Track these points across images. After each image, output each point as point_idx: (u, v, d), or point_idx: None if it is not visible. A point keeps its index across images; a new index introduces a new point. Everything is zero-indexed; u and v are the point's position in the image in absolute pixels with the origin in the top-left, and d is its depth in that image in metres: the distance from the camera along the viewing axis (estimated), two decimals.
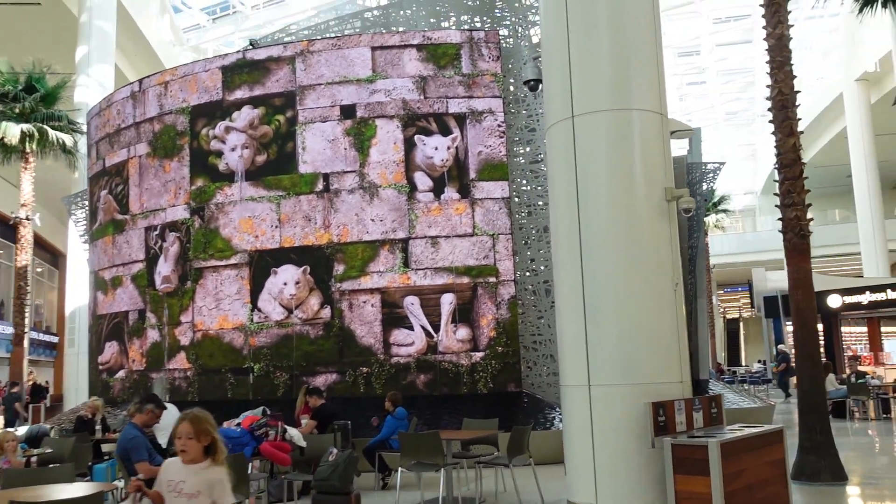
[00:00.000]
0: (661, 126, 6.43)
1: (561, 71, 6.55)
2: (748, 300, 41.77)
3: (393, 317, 11.21)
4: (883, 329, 26.95)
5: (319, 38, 12.09)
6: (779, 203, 8.61)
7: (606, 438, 6.02)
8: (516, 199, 11.72)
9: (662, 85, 6.59)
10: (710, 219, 36.74)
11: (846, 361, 23.76)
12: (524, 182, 11.80)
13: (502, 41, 11.96)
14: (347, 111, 11.55)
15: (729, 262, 43.54)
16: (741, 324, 51.87)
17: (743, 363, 43.47)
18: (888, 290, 21.84)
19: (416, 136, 11.46)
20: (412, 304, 11.17)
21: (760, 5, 8.78)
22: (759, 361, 34.71)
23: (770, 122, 8.70)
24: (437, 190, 11.38)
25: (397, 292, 11.22)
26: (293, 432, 7.41)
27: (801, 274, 8.32)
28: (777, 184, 8.74)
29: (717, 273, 42.36)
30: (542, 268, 11.61)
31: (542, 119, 11.01)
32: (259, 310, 11.58)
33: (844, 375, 17.55)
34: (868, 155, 33.78)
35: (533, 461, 7.36)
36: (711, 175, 14.37)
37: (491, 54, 11.58)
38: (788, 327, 24.59)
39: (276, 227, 11.62)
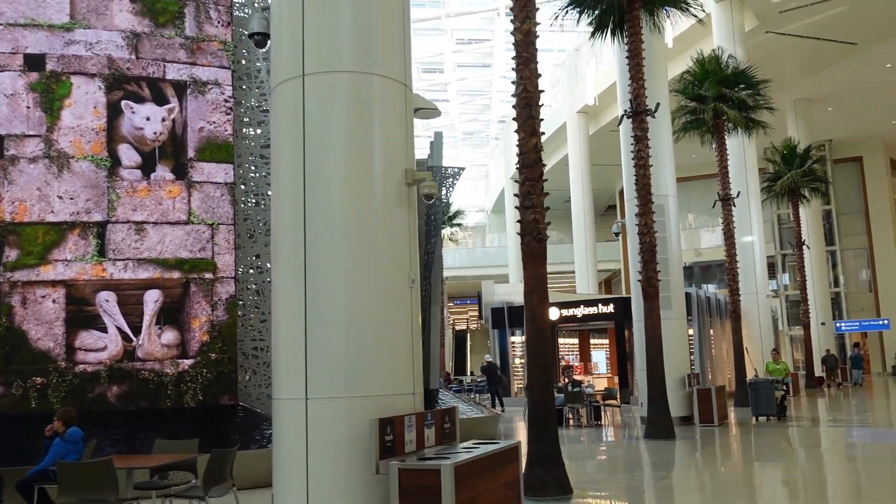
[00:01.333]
0: (405, 98, 5.59)
1: (293, 21, 5.46)
2: (476, 312, 43.62)
3: (81, 316, 9.27)
4: (592, 341, 29.24)
5: None
6: (518, 205, 8.26)
7: (324, 462, 5.00)
8: (242, 187, 10.38)
9: (408, 54, 5.78)
10: (445, 231, 37.74)
11: (561, 371, 25.27)
12: (253, 168, 10.48)
13: (236, 9, 10.58)
14: (34, 62, 9.41)
15: (460, 275, 45.23)
16: (468, 334, 54.18)
17: (469, 372, 45.24)
18: (599, 305, 23.51)
19: (123, 102, 9.66)
20: (107, 301, 9.33)
21: None
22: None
23: (514, 119, 8.35)
24: (147, 167, 9.67)
25: (88, 286, 9.31)
26: None
27: (537, 279, 8.00)
28: (517, 185, 8.38)
29: (447, 285, 43.73)
30: (268, 265, 10.35)
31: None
32: None
33: (560, 384, 18.32)
34: (585, 182, 36.86)
35: (236, 489, 6.12)
36: (451, 180, 14.12)
37: (220, 19, 10.15)
38: (513, 338, 25.62)
39: None
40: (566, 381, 17.52)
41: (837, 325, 35.08)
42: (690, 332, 22.37)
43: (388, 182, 5.39)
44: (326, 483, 4.96)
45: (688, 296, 21.29)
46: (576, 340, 29.12)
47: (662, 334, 14.31)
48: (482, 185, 55.34)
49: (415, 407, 5.38)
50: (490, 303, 27.23)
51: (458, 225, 38.49)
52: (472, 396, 25.39)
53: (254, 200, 10.42)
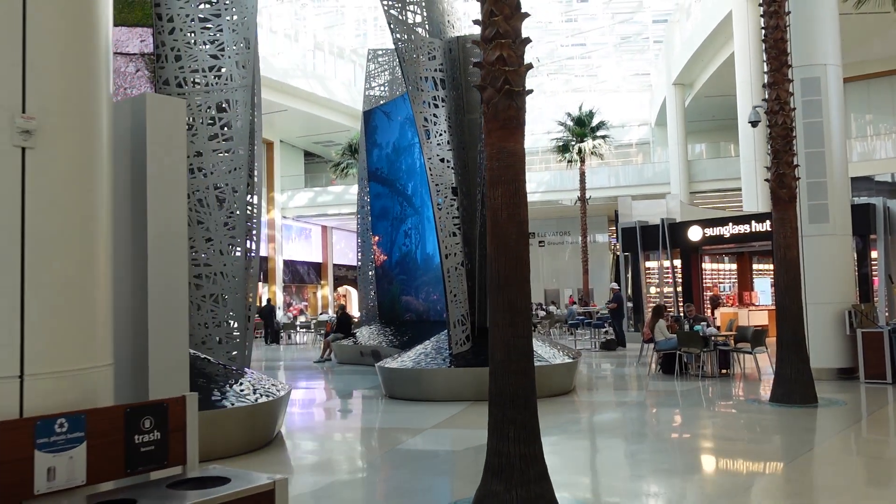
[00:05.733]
0: None
1: None
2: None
3: None
4: (755, 266, 24.62)
5: None
6: (480, 36, 4.92)
7: None
8: (174, 60, 7.72)
9: None
10: (587, 145, 33.66)
11: (705, 302, 21.17)
12: (189, 33, 7.78)
13: None
14: None
15: (625, 195, 40.72)
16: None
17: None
18: (752, 222, 19.04)
19: None
20: None
21: None
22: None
23: None
24: None
25: None
26: None
27: (504, 159, 4.69)
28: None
29: (607, 207, 39.47)
30: (212, 165, 7.73)
31: None
32: None
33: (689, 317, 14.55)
34: (754, 81, 31.10)
35: None
36: None
37: None
38: (648, 263, 21.75)
39: None
40: (687, 315, 13.78)
41: None
42: (873, 254, 17.49)
43: None
44: None
45: (869, 207, 16.47)
46: (733, 266, 24.66)
47: (816, 256, 10.44)
48: (645, 98, 49.70)
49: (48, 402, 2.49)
50: (626, 223, 23.35)
51: (603, 137, 34.11)
52: (581, 332, 21.73)
53: (192, 78, 7.75)
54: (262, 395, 7.23)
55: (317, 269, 43.88)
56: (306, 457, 7.32)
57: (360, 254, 17.84)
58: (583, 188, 34.08)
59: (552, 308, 30.33)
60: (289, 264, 40.77)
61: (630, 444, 7.29)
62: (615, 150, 44.28)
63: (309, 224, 42.96)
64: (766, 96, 9.41)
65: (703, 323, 12.78)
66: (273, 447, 7.22)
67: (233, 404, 6.87)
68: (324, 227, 44.13)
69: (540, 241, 44.87)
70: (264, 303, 26.80)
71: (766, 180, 9.41)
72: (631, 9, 40.20)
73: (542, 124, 43.53)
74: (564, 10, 40.38)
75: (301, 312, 33.90)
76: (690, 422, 8.51)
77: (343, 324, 17.38)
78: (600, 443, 7.58)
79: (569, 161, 33.96)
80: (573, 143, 33.60)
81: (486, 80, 4.77)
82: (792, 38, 11.28)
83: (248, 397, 7.06)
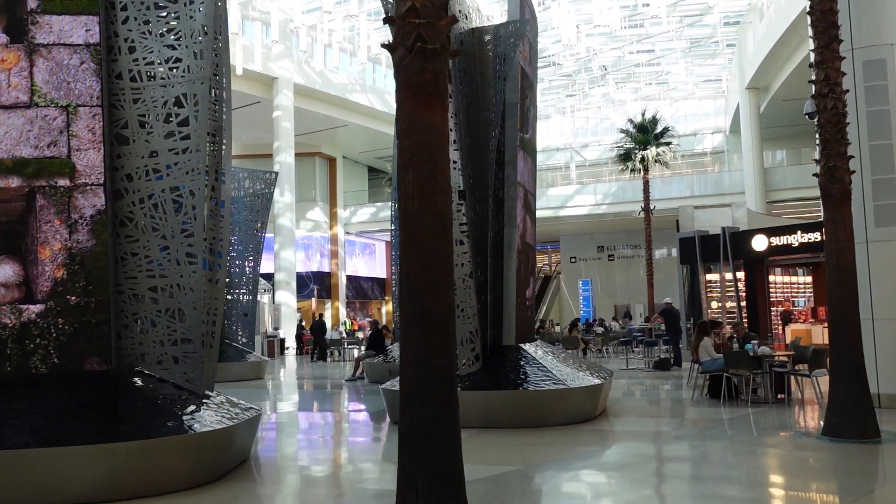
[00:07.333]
0: None
1: None
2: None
3: None
4: None
5: None
6: None
7: None
8: (128, 52, 7.06)
9: None
10: (650, 152, 31.96)
11: (774, 318, 19.38)
12: (143, 21, 7.11)
13: None
14: None
15: (702, 204, 38.65)
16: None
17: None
18: (823, 230, 17.24)
19: None
20: None
21: None
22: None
23: None
24: None
25: None
26: None
27: (419, 133, 3.72)
28: None
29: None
30: (168, 167, 7.01)
31: None
32: None
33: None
34: None
35: None
36: (513, 40, 9.66)
37: None
38: (709, 276, 20.14)
39: None
40: (736, 335, 12.32)
41: None
42: None
43: None
44: None
45: None
46: (808, 279, 22.66)
47: (883, 264, 9.13)
48: (719, 105, 47.35)
49: None
50: (685, 233, 21.77)
51: (667, 144, 32.37)
52: (633, 349, 20.20)
53: (146, 70, 7.05)
54: (212, 422, 6.41)
55: (381, 285, 43.36)
56: (261, 496, 6.43)
57: (394, 267, 17.07)
58: (646, 198, 32.36)
59: (613, 324, 28.77)
60: (352, 280, 40.38)
61: (634, 488, 6.10)
62: (688, 159, 42.20)
63: (373, 240, 42.57)
64: (814, 77, 8.08)
65: (753, 342, 11.34)
66: (230, 482, 6.37)
67: (174, 432, 6.08)
68: (387, 243, 43.67)
69: (609, 255, 43.12)
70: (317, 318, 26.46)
71: (815, 175, 8.08)
72: (699, 11, 38.26)
73: (612, 135, 41.86)
74: (629, 14, 38.80)
75: (360, 328, 33.37)
76: (718, 460, 7.22)
77: (375, 341, 16.56)
78: (599, 485, 6.41)
79: (631, 170, 32.37)
80: (636, 150, 32.00)
81: (396, 39, 3.82)
82: (852, 15, 9.93)
83: (193, 425, 6.24)
